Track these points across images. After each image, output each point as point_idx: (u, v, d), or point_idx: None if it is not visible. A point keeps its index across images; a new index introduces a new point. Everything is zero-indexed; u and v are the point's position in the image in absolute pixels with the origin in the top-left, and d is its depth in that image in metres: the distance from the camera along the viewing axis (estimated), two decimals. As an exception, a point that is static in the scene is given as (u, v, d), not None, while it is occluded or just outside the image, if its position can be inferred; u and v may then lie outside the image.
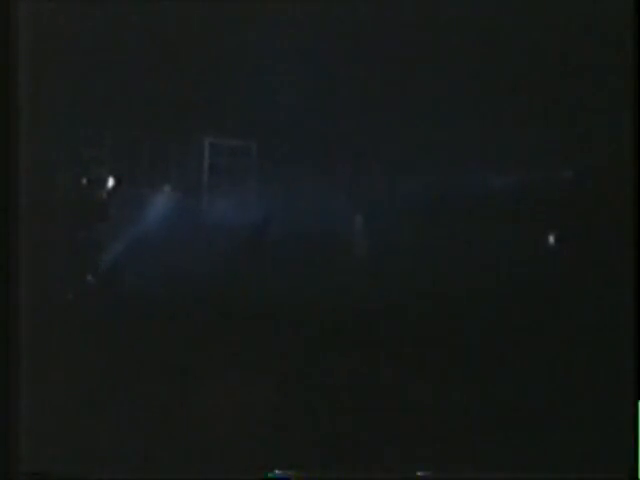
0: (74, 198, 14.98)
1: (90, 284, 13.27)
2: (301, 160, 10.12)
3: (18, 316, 6.30)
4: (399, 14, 12.21)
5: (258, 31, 9.28)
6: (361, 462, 5.91)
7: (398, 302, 10.95)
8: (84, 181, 14.90)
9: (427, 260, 13.95)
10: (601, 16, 11.52)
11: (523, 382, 6.27)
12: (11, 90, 6.51)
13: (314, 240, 9.11)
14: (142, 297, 10.23)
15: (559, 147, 14.19)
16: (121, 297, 11.01)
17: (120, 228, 14.84)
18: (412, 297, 11.80)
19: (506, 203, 14.11)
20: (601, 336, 7.02)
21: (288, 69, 9.65)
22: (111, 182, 14.92)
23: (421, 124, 14.14)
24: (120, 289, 12.47)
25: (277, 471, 5.78)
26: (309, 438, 5.98)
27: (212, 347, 6.69)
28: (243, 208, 15.36)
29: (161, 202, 14.98)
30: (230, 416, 6.04)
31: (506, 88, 13.72)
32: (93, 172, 14.76)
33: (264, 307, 8.99)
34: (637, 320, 6.50)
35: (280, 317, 8.30)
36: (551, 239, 14.75)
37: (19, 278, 6.43)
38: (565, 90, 13.57)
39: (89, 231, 14.78)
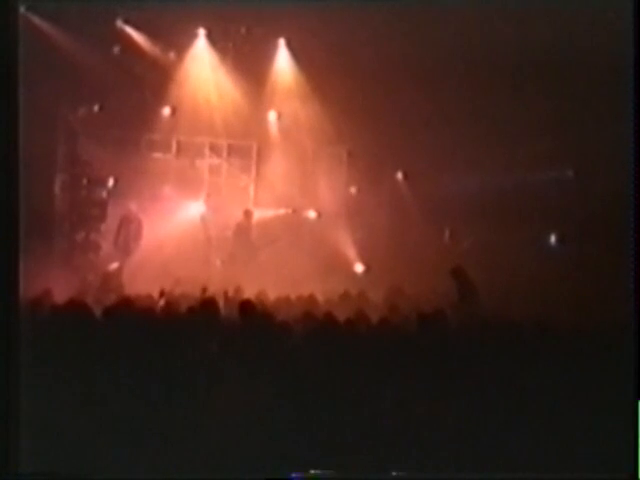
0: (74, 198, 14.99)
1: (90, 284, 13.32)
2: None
3: (19, 315, 6.31)
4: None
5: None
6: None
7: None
8: (84, 181, 14.98)
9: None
10: (601, 19, 11.54)
11: (523, 382, 6.27)
12: (12, 93, 6.53)
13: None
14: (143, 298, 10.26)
15: (560, 148, 14.25)
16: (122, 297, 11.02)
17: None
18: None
19: (508, 203, 14.19)
20: (601, 336, 7.03)
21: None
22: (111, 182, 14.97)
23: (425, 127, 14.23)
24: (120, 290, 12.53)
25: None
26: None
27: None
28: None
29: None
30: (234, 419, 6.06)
31: (507, 91, 13.78)
32: (94, 172, 14.85)
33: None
34: (637, 320, 6.51)
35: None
36: (553, 239, 14.80)
37: (20, 279, 6.44)
38: (567, 93, 13.61)
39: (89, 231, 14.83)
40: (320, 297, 11.27)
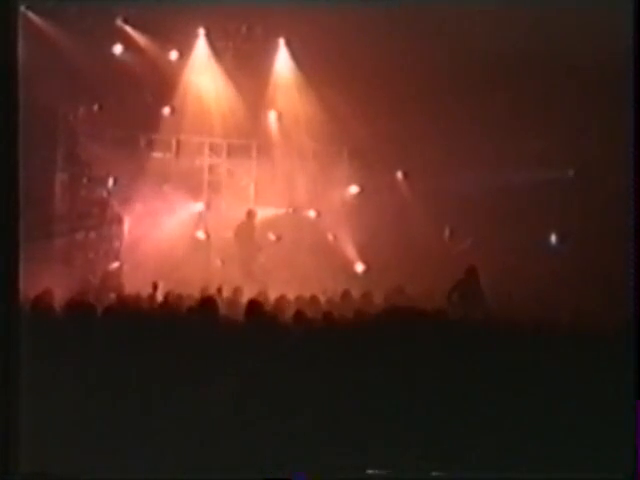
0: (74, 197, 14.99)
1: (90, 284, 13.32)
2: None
3: (19, 315, 6.31)
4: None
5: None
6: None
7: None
8: (84, 180, 14.97)
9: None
10: (601, 19, 11.54)
11: (523, 382, 6.27)
12: (13, 93, 6.53)
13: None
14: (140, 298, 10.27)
15: (560, 148, 14.26)
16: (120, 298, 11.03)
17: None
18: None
19: (508, 202, 14.20)
20: (601, 336, 7.03)
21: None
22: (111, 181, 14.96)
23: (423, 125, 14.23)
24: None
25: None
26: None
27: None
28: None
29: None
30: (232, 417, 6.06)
31: (508, 91, 13.79)
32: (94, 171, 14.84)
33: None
34: (637, 320, 6.51)
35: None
36: (553, 239, 14.81)
37: (20, 279, 6.44)
38: (567, 93, 13.62)
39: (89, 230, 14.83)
40: (321, 297, 11.27)
